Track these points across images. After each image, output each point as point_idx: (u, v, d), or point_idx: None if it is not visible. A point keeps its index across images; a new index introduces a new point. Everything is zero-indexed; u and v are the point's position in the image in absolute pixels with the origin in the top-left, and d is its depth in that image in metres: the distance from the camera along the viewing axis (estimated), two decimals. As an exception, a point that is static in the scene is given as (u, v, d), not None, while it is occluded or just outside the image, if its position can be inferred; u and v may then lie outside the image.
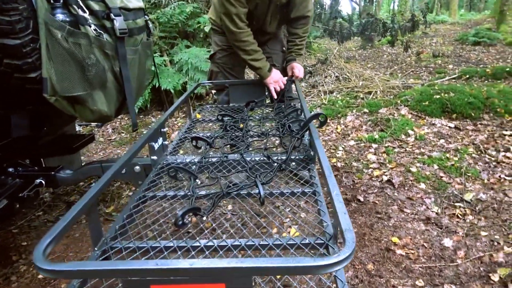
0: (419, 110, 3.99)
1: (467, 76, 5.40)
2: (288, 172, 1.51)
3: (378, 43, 9.58)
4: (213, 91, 4.91)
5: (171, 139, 4.09)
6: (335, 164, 3.12)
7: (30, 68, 1.40)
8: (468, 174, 2.71)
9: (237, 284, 0.81)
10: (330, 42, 9.37)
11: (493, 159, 2.91)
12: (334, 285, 0.94)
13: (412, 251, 2.00)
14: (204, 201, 1.38)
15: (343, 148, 3.43)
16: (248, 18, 2.17)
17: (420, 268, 1.88)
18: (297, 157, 1.56)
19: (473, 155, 3.01)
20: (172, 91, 4.80)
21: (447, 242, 2.04)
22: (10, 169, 1.86)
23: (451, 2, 17.44)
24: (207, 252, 1.06)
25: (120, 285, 0.85)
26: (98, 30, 1.47)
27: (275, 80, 2.28)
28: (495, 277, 1.76)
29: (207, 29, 5.20)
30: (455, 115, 3.77)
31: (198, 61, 4.88)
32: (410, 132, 3.53)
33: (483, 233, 2.09)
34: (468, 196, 2.44)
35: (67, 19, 1.38)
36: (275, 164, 1.49)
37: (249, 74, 5.34)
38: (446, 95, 3.98)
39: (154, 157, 1.62)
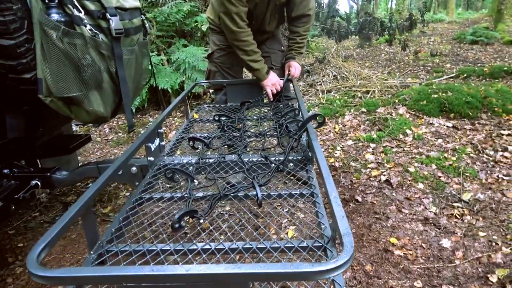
0: (417, 109, 3.99)
1: (465, 75, 5.41)
2: (286, 173, 1.50)
3: (376, 42, 9.58)
4: (211, 91, 4.89)
5: (168, 139, 4.07)
6: (333, 164, 3.11)
7: (24, 68, 1.38)
8: (466, 174, 2.71)
9: (234, 290, 0.80)
10: (328, 41, 9.36)
11: (491, 158, 2.91)
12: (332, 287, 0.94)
13: (410, 252, 1.99)
14: (201, 202, 1.37)
15: (341, 147, 3.42)
16: (247, 18, 2.15)
17: (418, 269, 1.87)
18: (295, 158, 1.55)
19: (471, 154, 3.01)
20: (170, 90, 4.78)
21: (445, 242, 2.03)
22: (6, 171, 1.84)
23: (449, 0, 17.46)
24: (204, 256, 1.05)
25: (116, 290, 0.84)
26: (94, 30, 1.46)
27: (273, 82, 2.28)
28: (494, 278, 1.75)
29: (204, 28, 5.18)
30: (453, 115, 3.77)
31: (195, 60, 4.86)
32: (408, 131, 3.53)
33: (481, 234, 2.09)
34: (466, 196, 2.44)
35: (62, 19, 1.37)
36: (273, 165, 1.48)
37: (247, 74, 5.32)
38: (444, 94, 3.98)
39: (151, 158, 1.61)
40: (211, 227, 1.26)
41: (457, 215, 2.28)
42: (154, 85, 4.65)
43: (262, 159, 1.55)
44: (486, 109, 3.79)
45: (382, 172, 2.87)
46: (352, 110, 4.29)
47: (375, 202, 2.49)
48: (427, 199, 2.47)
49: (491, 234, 2.08)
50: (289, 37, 2.54)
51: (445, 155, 3.02)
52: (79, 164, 2.93)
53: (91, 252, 1.06)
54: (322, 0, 7.92)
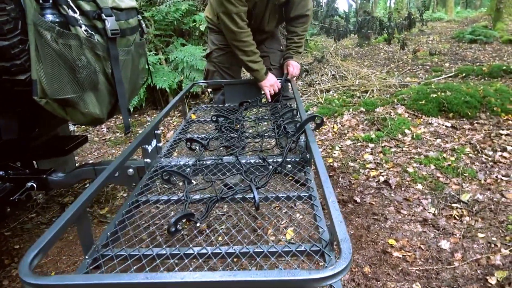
0: (416, 109, 3.98)
1: (464, 74, 5.40)
2: (284, 175, 1.49)
3: (375, 41, 9.56)
4: (209, 90, 4.88)
5: (166, 139, 4.05)
6: (331, 164, 3.10)
7: (19, 70, 1.36)
8: (465, 175, 2.70)
9: (230, 297, 0.78)
10: (326, 40, 9.34)
11: (489, 159, 2.90)
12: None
13: (409, 254, 1.98)
14: (199, 205, 1.35)
15: (339, 147, 3.41)
16: (247, 18, 2.14)
17: (417, 271, 1.86)
18: (293, 160, 1.54)
19: (470, 155, 3.00)
20: (168, 90, 4.76)
21: (444, 244, 2.02)
22: (1, 172, 1.83)
23: (448, -1, 17.45)
24: (200, 260, 1.04)
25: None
26: (89, 31, 1.44)
27: (271, 83, 2.27)
28: (493, 280, 1.74)
29: (202, 27, 5.16)
30: (451, 114, 3.76)
31: (193, 59, 4.84)
32: (407, 131, 3.52)
33: (480, 235, 2.08)
34: (465, 197, 2.43)
35: (57, 20, 1.35)
36: (271, 166, 1.47)
37: (246, 74, 5.30)
38: (442, 94, 3.97)
39: (148, 160, 1.59)
40: (207, 231, 1.25)
41: (456, 216, 2.27)
42: (152, 84, 4.64)
43: (260, 160, 1.53)
44: (485, 108, 3.78)
45: (381, 172, 2.86)
46: (350, 110, 4.27)
47: (373, 203, 2.48)
48: (425, 199, 2.46)
49: (490, 235, 2.08)
50: (287, 37, 2.53)
51: (444, 155, 3.01)
52: (76, 165, 2.91)
53: (86, 257, 1.05)
54: (321, -1, 7.90)
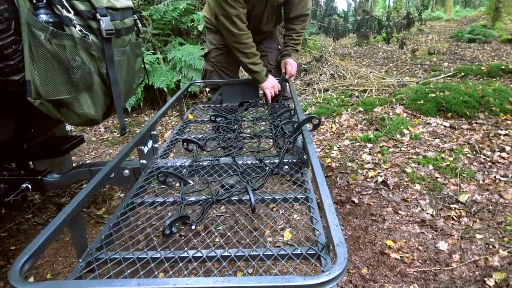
0: (414, 109, 3.97)
1: (462, 74, 5.39)
2: (281, 176, 1.48)
3: (374, 40, 9.54)
4: (207, 89, 4.86)
5: (164, 138, 4.04)
6: (329, 164, 3.09)
7: (12, 70, 1.35)
8: (463, 175, 2.69)
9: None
10: (325, 39, 9.32)
11: (488, 159, 2.89)
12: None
13: (407, 255, 1.97)
14: (195, 206, 1.34)
15: (337, 147, 3.40)
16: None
17: (415, 272, 1.85)
18: (290, 161, 1.52)
19: (468, 155, 2.99)
20: (166, 89, 4.74)
21: (442, 245, 2.01)
22: (-5, 174, 1.81)
23: (447, -2, 17.44)
24: (195, 263, 1.03)
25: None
26: (84, 31, 1.42)
27: (272, 85, 2.25)
28: (491, 282, 1.73)
29: (200, 27, 5.14)
30: (450, 114, 3.75)
31: (191, 59, 4.82)
32: (405, 131, 3.51)
33: (478, 236, 2.07)
34: (463, 198, 2.42)
35: (51, 20, 1.33)
36: (267, 168, 1.45)
37: (244, 74, 5.29)
38: (441, 93, 3.96)
39: (144, 161, 1.58)
40: (203, 234, 1.24)
41: (454, 217, 2.26)
42: (149, 84, 4.62)
43: (257, 161, 1.52)
44: (483, 108, 3.77)
45: (379, 172, 2.85)
46: (349, 110, 4.26)
47: (371, 203, 2.47)
48: (424, 200, 2.45)
49: (488, 236, 2.07)
50: (285, 34, 2.51)
51: (442, 155, 3.00)
52: (73, 165, 2.90)
53: (80, 260, 1.04)
54: (319, -2, 7.88)
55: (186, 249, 1.04)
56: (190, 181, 1.47)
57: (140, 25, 1.85)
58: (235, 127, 1.89)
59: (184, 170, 1.53)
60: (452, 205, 2.37)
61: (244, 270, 1.81)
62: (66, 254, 2.23)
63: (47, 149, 2.11)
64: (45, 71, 1.34)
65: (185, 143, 1.71)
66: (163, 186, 1.45)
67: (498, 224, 2.15)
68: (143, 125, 4.54)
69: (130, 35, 1.74)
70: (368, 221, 2.29)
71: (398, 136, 3.45)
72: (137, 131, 3.29)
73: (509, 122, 3.51)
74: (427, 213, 2.31)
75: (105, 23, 1.47)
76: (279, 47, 2.58)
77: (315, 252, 1.02)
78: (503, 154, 2.92)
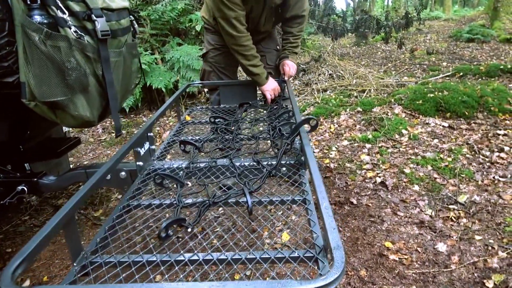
0: (413, 109, 3.96)
1: (461, 74, 5.38)
2: (279, 178, 1.47)
3: (372, 40, 9.55)
4: (206, 90, 4.85)
5: (162, 139, 4.02)
6: (328, 165, 3.08)
7: (6, 72, 1.34)
8: (462, 175, 2.69)
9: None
10: (324, 39, 9.32)
11: (487, 159, 2.89)
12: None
13: (406, 256, 1.96)
14: (191, 209, 1.33)
15: (336, 148, 3.39)
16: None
17: (413, 274, 1.84)
18: (287, 162, 1.51)
19: (467, 155, 2.98)
20: (164, 89, 4.73)
21: (441, 246, 2.00)
22: (-10, 176, 1.80)
23: (445, -2, 17.46)
24: (191, 267, 1.02)
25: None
26: (79, 32, 1.41)
27: (272, 88, 2.24)
28: (490, 284, 1.72)
29: (198, 27, 5.12)
30: (449, 114, 3.75)
31: (190, 59, 4.81)
32: (404, 131, 3.50)
33: (477, 237, 2.06)
34: (462, 198, 2.41)
35: (45, 21, 1.32)
36: (265, 169, 1.44)
37: (242, 74, 5.28)
38: (440, 93, 3.95)
39: (140, 163, 1.57)
40: (199, 236, 1.22)
41: (453, 217, 2.25)
42: (147, 84, 4.61)
43: (254, 163, 1.51)
44: (482, 108, 3.77)
45: (378, 173, 2.84)
46: (347, 110, 4.25)
47: (370, 204, 2.46)
48: (422, 201, 2.44)
49: (487, 237, 2.06)
50: (282, 37, 2.51)
51: (441, 155, 3.00)
52: (71, 166, 2.88)
53: (74, 264, 1.02)
54: (318, -2, 7.87)
55: (182, 252, 1.03)
56: (188, 183, 1.46)
57: (136, 25, 1.83)
58: (233, 128, 1.87)
59: (181, 172, 1.52)
60: (451, 206, 2.36)
61: (241, 273, 1.79)
62: (63, 256, 2.21)
63: (43, 151, 2.09)
64: (39, 73, 1.33)
65: (182, 145, 1.70)
66: (159, 188, 1.44)
67: (497, 225, 2.14)
68: (141, 126, 4.52)
69: (126, 36, 1.72)
70: (367, 222, 2.28)
71: (397, 136, 3.44)
72: (135, 132, 3.27)
73: (507, 122, 3.50)
74: (426, 214, 2.30)
75: (101, 24, 1.46)
76: (278, 47, 2.57)
77: (312, 255, 1.01)
78: (502, 155, 2.91)
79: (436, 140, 3.29)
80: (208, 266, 1.02)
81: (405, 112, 3.94)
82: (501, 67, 5.19)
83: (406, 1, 18.37)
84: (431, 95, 3.96)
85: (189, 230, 1.17)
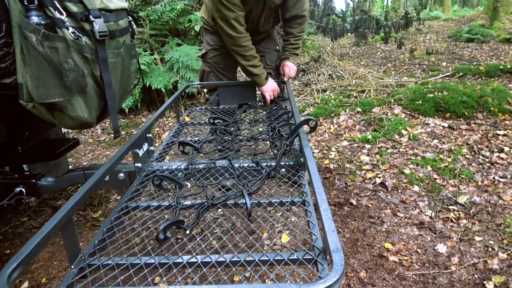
0: (413, 109, 3.95)
1: (461, 74, 5.38)
2: (278, 178, 1.46)
3: (372, 40, 9.54)
4: (205, 90, 4.84)
5: (161, 140, 4.02)
6: (327, 165, 3.07)
7: (4, 73, 1.33)
8: (462, 176, 2.68)
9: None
10: (323, 39, 9.31)
11: (487, 160, 2.88)
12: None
13: (406, 258, 1.95)
14: (190, 211, 1.32)
15: (336, 149, 3.38)
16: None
17: (413, 276, 1.84)
18: (287, 163, 1.51)
19: (467, 156, 2.98)
20: (163, 90, 4.72)
21: (441, 248, 2.00)
22: (-12, 178, 1.79)
23: (445, -2, 17.46)
24: (190, 270, 1.01)
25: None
26: (77, 33, 1.40)
27: (272, 88, 2.24)
28: (490, 285, 1.72)
29: (197, 28, 5.12)
30: (448, 114, 3.74)
31: (189, 59, 4.80)
32: (404, 132, 3.49)
33: (477, 238, 2.05)
34: (462, 199, 2.41)
35: (42, 22, 1.31)
36: (264, 171, 1.44)
37: (242, 75, 5.27)
38: (439, 93, 3.95)
39: (139, 164, 1.56)
40: (198, 238, 1.22)
41: (453, 218, 2.24)
42: (147, 85, 4.60)
43: (253, 164, 1.50)
44: (482, 108, 3.76)
45: (377, 174, 2.83)
46: (347, 110, 4.25)
47: (370, 205, 2.45)
48: (422, 202, 2.43)
49: (488, 238, 2.05)
50: (284, 38, 2.50)
51: (441, 156, 2.99)
52: (70, 167, 2.87)
53: (72, 266, 1.02)
54: (317, -2, 7.87)
55: (180, 254, 1.03)
56: (188, 183, 1.45)
57: (135, 26, 1.82)
58: (232, 129, 1.87)
59: (180, 173, 1.51)
60: (451, 207, 2.36)
61: (240, 275, 1.79)
62: (62, 257, 2.20)
63: (42, 152, 2.08)
64: (37, 74, 1.32)
65: (181, 146, 1.69)
66: (158, 190, 1.43)
67: (497, 226, 2.14)
68: (140, 127, 4.51)
69: (125, 37, 1.71)
70: (367, 223, 2.27)
71: (397, 136, 3.44)
72: (134, 133, 3.26)
73: (507, 122, 3.50)
74: (425, 215, 2.30)
75: (98, 24, 1.45)
76: (277, 47, 2.57)
77: (311, 257, 1.01)
78: (502, 155, 2.91)
79: (436, 141, 3.28)
80: (206, 268, 1.02)
81: (404, 113, 3.93)
82: (501, 67, 5.18)
83: (405, 1, 18.38)
84: (431, 95, 3.95)
85: (188, 232, 1.16)
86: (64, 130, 2.57)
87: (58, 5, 1.34)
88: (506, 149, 2.98)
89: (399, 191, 2.59)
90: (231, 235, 1.96)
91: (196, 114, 2.39)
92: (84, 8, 1.43)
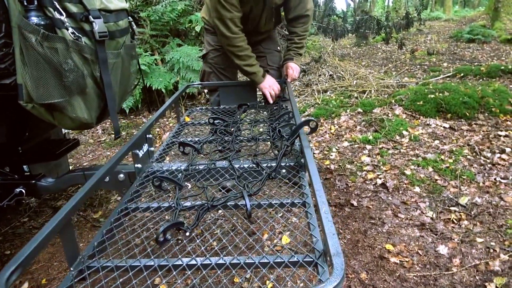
0: (414, 110, 3.95)
1: (462, 74, 5.37)
2: (279, 179, 1.46)
3: (373, 41, 9.53)
4: (206, 91, 4.83)
5: (162, 141, 4.01)
6: (328, 166, 3.06)
7: (3, 74, 1.33)
8: (463, 177, 2.67)
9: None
10: (324, 39, 9.30)
11: (488, 161, 2.87)
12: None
13: (407, 259, 1.95)
14: (190, 212, 1.32)
15: (336, 149, 3.37)
16: (242, 21, 2.11)
17: (414, 277, 1.83)
18: (287, 164, 1.50)
19: (468, 156, 2.97)
20: (164, 90, 4.72)
21: (442, 249, 1.99)
22: (-12, 178, 1.78)
23: (446, -2, 17.44)
24: (189, 272, 1.00)
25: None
26: (76, 34, 1.39)
27: (270, 84, 2.22)
28: (491, 287, 1.71)
29: (198, 28, 5.11)
30: (449, 115, 3.73)
31: (189, 60, 4.79)
32: (405, 132, 3.48)
33: (478, 240, 2.04)
34: (463, 200, 2.40)
35: (42, 22, 1.30)
36: (264, 172, 1.43)
37: (242, 75, 5.26)
38: (440, 94, 3.94)
39: (139, 165, 1.55)
40: (197, 240, 1.21)
41: (454, 220, 2.24)
42: (147, 85, 4.59)
43: (254, 165, 1.50)
44: (483, 109, 3.75)
45: (378, 175, 2.83)
46: (348, 111, 4.24)
47: (370, 206, 2.45)
48: (423, 203, 2.42)
49: (489, 240, 2.04)
50: (287, 38, 2.49)
51: (442, 157, 2.98)
52: (70, 168, 2.86)
53: (71, 269, 1.01)
54: (318, -1, 7.86)
55: (180, 256, 1.02)
56: (188, 184, 1.45)
57: (135, 27, 1.82)
58: (232, 129, 1.86)
59: (180, 174, 1.51)
60: (452, 208, 2.35)
61: (240, 277, 1.78)
62: (62, 258, 2.20)
63: (42, 152, 2.08)
64: (36, 75, 1.31)
65: (181, 147, 1.69)
66: (158, 191, 1.42)
67: (499, 228, 2.13)
68: (141, 127, 4.51)
69: (125, 37, 1.71)
70: (367, 225, 2.26)
71: (398, 137, 3.43)
72: (135, 133, 3.25)
73: (509, 123, 3.48)
74: (427, 216, 2.29)
75: (98, 25, 1.44)
76: (278, 48, 2.56)
77: (312, 259, 1.00)
78: (503, 156, 2.90)
79: (437, 141, 3.27)
80: (206, 270, 1.01)
81: (405, 113, 3.92)
82: (502, 67, 5.17)
83: (406, 2, 18.37)
84: (432, 96, 3.94)
85: (188, 233, 1.16)
86: (64, 130, 2.57)
87: (57, 6, 1.34)
88: (508, 150, 2.97)
89: (400, 192, 2.58)
90: (231, 237, 1.96)
91: (197, 115, 2.39)
92: (83, 8, 1.43)
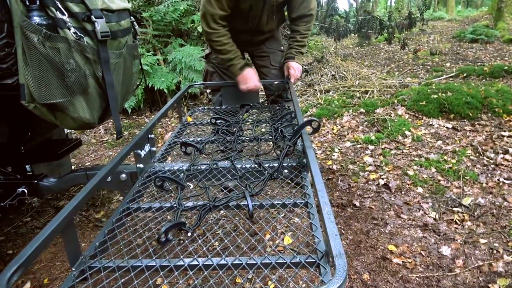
0: (416, 110, 3.93)
1: (465, 74, 5.35)
2: (281, 179, 1.45)
3: (375, 41, 9.50)
4: (208, 91, 4.84)
5: (164, 140, 4.01)
6: (330, 166, 3.05)
7: (5, 74, 1.33)
8: (466, 178, 2.66)
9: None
10: (326, 39, 9.29)
11: (491, 161, 2.86)
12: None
13: (409, 260, 1.94)
14: (192, 212, 1.32)
15: (339, 149, 3.36)
16: (242, 19, 2.10)
17: (417, 278, 1.82)
18: (289, 164, 1.50)
19: (471, 157, 2.95)
20: (166, 90, 4.72)
21: (445, 250, 1.98)
22: (-10, 178, 1.79)
23: (449, -2, 17.39)
24: (191, 272, 1.00)
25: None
26: (78, 33, 1.39)
27: (246, 78, 2.20)
28: (495, 288, 1.70)
29: (200, 28, 5.11)
30: (452, 115, 3.71)
31: (192, 60, 4.79)
32: (407, 133, 3.47)
33: (482, 241, 2.03)
34: (466, 201, 2.39)
35: (44, 22, 1.31)
36: (266, 172, 1.43)
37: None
38: (443, 94, 3.92)
39: (141, 165, 1.55)
40: (199, 240, 1.21)
41: (457, 220, 2.22)
42: (149, 85, 4.60)
43: (256, 165, 1.49)
44: (486, 109, 3.73)
45: (381, 175, 2.82)
46: (350, 111, 4.23)
47: (373, 207, 2.44)
48: (426, 203, 2.41)
49: (492, 241, 2.03)
50: (289, 36, 2.48)
51: (445, 157, 2.97)
52: (72, 168, 2.87)
53: (73, 269, 1.01)
54: (321, -1, 7.86)
55: (182, 257, 1.02)
56: (190, 184, 1.44)
57: (137, 27, 1.82)
58: (235, 130, 1.86)
59: (182, 175, 1.50)
60: (455, 209, 2.34)
61: (242, 278, 1.78)
62: (64, 258, 2.20)
63: (44, 152, 2.08)
64: (39, 75, 1.32)
65: (183, 147, 1.68)
66: (160, 191, 1.42)
67: (502, 228, 2.12)
68: (143, 127, 4.51)
69: (127, 37, 1.71)
70: (370, 225, 2.25)
71: (400, 137, 3.41)
72: (137, 133, 3.26)
73: (512, 123, 3.47)
74: (429, 217, 2.28)
75: (100, 25, 1.44)
76: (282, 47, 2.55)
77: (314, 260, 0.99)
78: (507, 156, 2.88)
79: (439, 142, 3.26)
80: (208, 271, 1.01)
81: (408, 113, 3.91)
82: (505, 67, 5.14)
83: (409, 2, 18.34)
84: (435, 96, 3.93)
85: (189, 234, 1.16)
86: (66, 130, 2.57)
87: (59, 6, 1.34)
88: (511, 150, 2.95)
89: (403, 192, 2.57)
90: (233, 237, 1.95)
91: (199, 115, 2.38)
92: (85, 8, 1.43)
